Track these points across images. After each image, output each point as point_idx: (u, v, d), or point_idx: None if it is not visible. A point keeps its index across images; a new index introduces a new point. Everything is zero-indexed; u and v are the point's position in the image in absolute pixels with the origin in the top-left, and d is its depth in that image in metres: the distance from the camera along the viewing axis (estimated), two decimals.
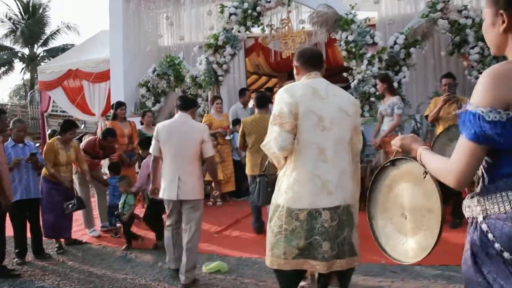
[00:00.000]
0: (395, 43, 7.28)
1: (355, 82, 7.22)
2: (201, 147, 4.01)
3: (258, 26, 7.84)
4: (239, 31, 7.74)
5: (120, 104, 6.81)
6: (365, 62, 7.12)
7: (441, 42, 8.07)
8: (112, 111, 7.11)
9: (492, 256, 1.37)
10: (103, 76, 9.93)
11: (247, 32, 7.89)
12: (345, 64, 7.45)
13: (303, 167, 2.55)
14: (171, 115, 8.87)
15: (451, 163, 1.45)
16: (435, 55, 8.15)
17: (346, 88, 7.35)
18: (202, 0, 8.91)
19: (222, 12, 7.84)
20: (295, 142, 2.54)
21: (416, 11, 7.85)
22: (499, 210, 1.37)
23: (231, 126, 7.60)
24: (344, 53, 7.32)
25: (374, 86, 7.15)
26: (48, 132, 10.98)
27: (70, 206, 5.22)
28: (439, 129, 5.60)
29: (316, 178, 2.53)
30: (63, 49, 21.83)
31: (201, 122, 7.64)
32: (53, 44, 24.82)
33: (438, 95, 6.39)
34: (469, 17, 7.29)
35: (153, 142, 4.13)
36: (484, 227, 1.41)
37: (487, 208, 1.41)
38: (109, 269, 4.70)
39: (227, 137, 7.32)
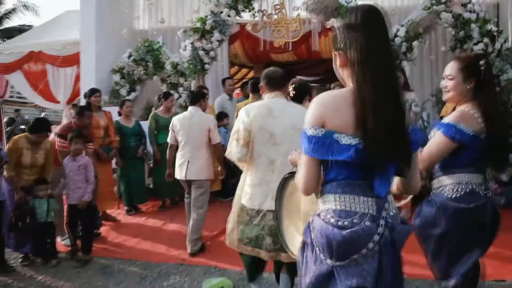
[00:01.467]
0: (396, 35, 6.79)
1: None
2: (209, 135, 4.75)
3: (250, 10, 7.15)
4: (228, 15, 7.03)
5: (94, 91, 5.97)
6: None
7: (440, 36, 7.67)
8: (80, 99, 6.25)
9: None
10: (70, 60, 8.96)
11: (237, 17, 7.18)
12: None
13: (256, 174, 3.04)
14: (148, 106, 8.11)
15: (298, 175, 1.74)
16: (433, 50, 7.73)
17: None
18: None
19: None
20: (250, 153, 3.02)
21: (417, 3, 7.36)
22: (324, 208, 1.67)
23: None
24: None
25: None
26: (4, 120, 9.86)
27: (17, 222, 4.37)
28: None
29: (264, 184, 2.98)
30: (19, 29, 20.19)
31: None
32: (8, 24, 23.04)
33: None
34: (474, 11, 6.90)
35: (170, 132, 4.93)
36: (311, 223, 1.72)
37: (319, 207, 1.71)
38: (88, 286, 3.95)
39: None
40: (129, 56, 7.90)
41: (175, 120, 4.93)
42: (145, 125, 6.58)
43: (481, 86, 2.41)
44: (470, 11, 6.91)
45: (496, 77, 6.83)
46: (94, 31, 7.95)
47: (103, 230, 5.53)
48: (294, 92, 3.55)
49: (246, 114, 3.03)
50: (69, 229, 4.74)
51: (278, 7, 7.29)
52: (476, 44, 6.91)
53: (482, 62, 2.44)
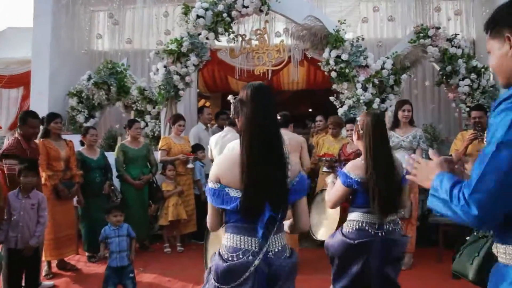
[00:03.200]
0: (382, 67, 6.45)
1: (345, 107, 6.23)
2: None
3: (229, 34, 6.56)
4: (207, 38, 6.39)
5: (54, 116, 5.01)
6: (359, 86, 6.18)
7: (423, 71, 7.47)
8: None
9: None
10: (16, 81, 7.91)
11: (216, 40, 6.56)
12: (334, 86, 6.44)
13: None
14: (110, 135, 7.21)
15: None
16: (416, 85, 7.50)
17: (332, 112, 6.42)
18: None
19: (186, 14, 6.45)
20: None
21: (404, 36, 7.12)
22: (222, 243, 2.03)
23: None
24: (333, 74, 6.31)
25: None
26: None
27: None
28: (469, 166, 4.75)
29: None
30: None
31: (150, 144, 6.13)
32: None
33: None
34: (460, 47, 6.75)
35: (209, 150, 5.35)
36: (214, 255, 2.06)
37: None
38: None
39: (189, 165, 5.86)
40: (89, 79, 7.01)
41: (213, 139, 5.36)
42: (110, 156, 5.71)
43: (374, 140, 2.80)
44: (456, 46, 6.75)
45: None
46: (48, 49, 7.00)
47: (60, 282, 4.57)
48: (280, 120, 4.77)
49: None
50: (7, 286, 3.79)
51: (260, 32, 6.76)
52: (462, 79, 6.74)
53: (369, 119, 2.83)
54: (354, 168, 2.83)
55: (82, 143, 5.44)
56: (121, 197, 5.45)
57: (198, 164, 6.10)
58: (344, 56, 6.16)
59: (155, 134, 6.86)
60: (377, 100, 6.28)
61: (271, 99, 2.00)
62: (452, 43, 6.76)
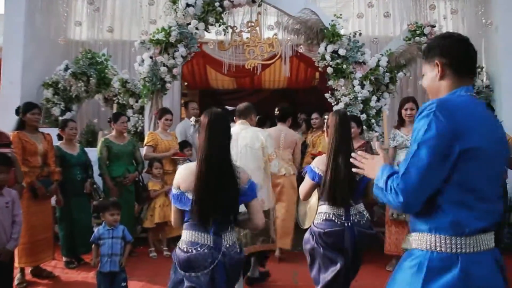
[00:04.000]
0: (378, 65, 6.22)
1: (341, 104, 5.96)
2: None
3: (220, 25, 6.18)
4: (197, 28, 6.00)
5: (31, 106, 4.49)
6: (356, 82, 5.92)
7: (419, 69, 7.28)
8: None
9: None
10: None
11: (206, 30, 6.17)
12: (330, 83, 6.15)
13: None
14: (88, 129, 6.72)
15: None
16: (410, 84, 7.31)
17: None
18: None
19: (174, 2, 6.04)
20: None
21: (399, 33, 6.92)
22: (182, 239, 2.46)
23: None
24: (329, 70, 6.03)
25: (362, 111, 6.00)
26: None
27: None
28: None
29: None
30: None
31: (136, 141, 5.70)
32: None
33: None
34: None
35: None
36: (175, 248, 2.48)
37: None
38: None
39: (180, 166, 5.45)
40: (66, 69, 6.50)
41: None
42: (90, 152, 5.23)
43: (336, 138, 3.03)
44: None
45: None
46: (21, 35, 6.44)
47: None
48: (278, 113, 5.29)
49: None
50: None
51: (252, 24, 6.42)
52: None
53: (326, 116, 3.19)
54: (319, 163, 3.07)
55: (60, 137, 4.95)
56: (104, 196, 4.99)
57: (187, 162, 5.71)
58: (342, 51, 5.89)
59: (138, 130, 6.41)
60: (374, 98, 6.05)
61: (225, 129, 2.48)
62: None
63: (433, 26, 6.54)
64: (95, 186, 4.95)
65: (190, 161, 5.77)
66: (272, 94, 11.13)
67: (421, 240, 1.63)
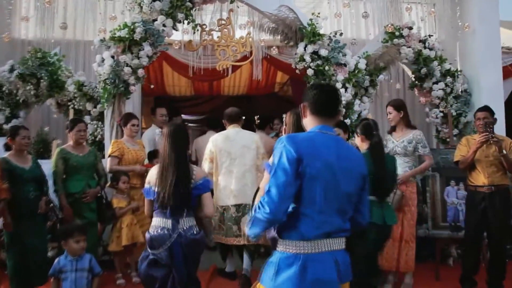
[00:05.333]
0: (357, 67, 5.87)
1: None
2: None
3: (189, 22, 5.61)
4: (164, 25, 5.40)
5: None
6: (339, 85, 5.53)
7: (396, 73, 7.03)
8: None
9: None
10: None
11: (174, 28, 5.57)
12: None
13: (220, 180, 4.50)
14: (39, 139, 5.92)
15: None
16: (387, 87, 7.03)
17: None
18: None
19: None
20: (215, 167, 4.52)
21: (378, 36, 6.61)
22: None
23: (147, 160, 5.14)
24: (309, 72, 5.60)
25: (345, 116, 5.63)
26: None
27: None
28: (478, 175, 4.27)
29: (227, 187, 4.46)
30: None
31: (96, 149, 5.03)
32: None
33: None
34: (433, 49, 6.39)
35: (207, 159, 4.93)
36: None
37: None
38: None
39: None
40: (11, 70, 5.69)
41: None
42: (44, 165, 4.50)
43: None
44: (429, 48, 6.38)
45: (455, 119, 6.36)
46: None
47: None
48: (258, 121, 6.29)
49: (212, 144, 4.57)
50: None
51: (224, 22, 5.89)
52: (436, 83, 6.38)
53: (291, 116, 3.29)
54: None
55: (7, 147, 4.19)
56: (62, 217, 4.27)
57: None
58: (324, 52, 5.49)
59: (97, 139, 5.71)
60: (357, 101, 5.70)
61: (183, 139, 3.20)
62: (426, 44, 6.40)
63: (411, 28, 6.31)
64: (51, 205, 4.23)
65: None
66: (227, 100, 10.61)
67: (278, 243, 2.05)
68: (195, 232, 3.08)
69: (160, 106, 5.98)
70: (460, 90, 6.45)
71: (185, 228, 3.03)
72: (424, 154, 4.48)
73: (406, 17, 6.80)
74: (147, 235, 3.10)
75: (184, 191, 3.04)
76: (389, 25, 6.29)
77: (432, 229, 4.91)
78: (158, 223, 3.06)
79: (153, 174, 3.16)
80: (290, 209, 1.99)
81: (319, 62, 5.57)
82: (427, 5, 6.89)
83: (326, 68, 5.48)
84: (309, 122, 2.16)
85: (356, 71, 5.68)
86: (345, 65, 5.67)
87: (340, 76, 5.57)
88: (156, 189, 3.05)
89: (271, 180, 1.98)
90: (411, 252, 4.40)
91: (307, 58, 5.57)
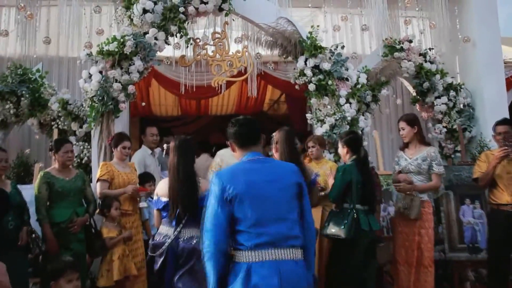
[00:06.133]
0: (357, 82, 5.61)
1: (326, 126, 5.23)
2: None
3: (182, 36, 5.27)
4: (156, 38, 5.05)
5: None
6: (342, 101, 5.24)
7: (396, 88, 6.79)
8: None
9: None
10: None
11: (166, 42, 5.22)
12: (312, 101, 5.41)
13: None
14: (19, 162, 5.46)
15: None
16: (388, 103, 6.78)
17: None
18: None
19: (128, 7, 5.08)
20: None
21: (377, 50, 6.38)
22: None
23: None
24: (311, 87, 5.30)
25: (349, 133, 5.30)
26: None
27: None
28: (501, 193, 3.98)
29: None
30: None
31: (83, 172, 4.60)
32: None
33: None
34: (434, 62, 6.18)
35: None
36: None
37: None
38: None
39: (142, 204, 4.39)
40: None
41: None
42: (24, 191, 4.05)
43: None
44: (430, 62, 6.18)
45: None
46: None
47: None
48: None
49: (219, 156, 4.32)
50: None
51: (219, 35, 5.58)
52: (438, 97, 6.16)
53: (282, 134, 3.52)
54: None
55: None
56: (45, 249, 3.81)
57: (150, 201, 4.63)
58: (326, 66, 5.20)
59: (83, 161, 5.27)
60: (362, 117, 5.41)
61: (190, 151, 3.41)
62: (426, 57, 6.19)
63: (411, 41, 6.10)
64: (33, 235, 3.77)
65: (152, 198, 4.77)
66: (214, 120, 10.26)
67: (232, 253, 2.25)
68: (194, 243, 3.20)
69: (150, 125, 5.57)
70: (463, 104, 6.24)
71: (186, 237, 3.23)
72: (437, 172, 4.11)
73: (403, 31, 6.61)
74: (150, 242, 3.43)
75: (192, 202, 3.23)
76: (389, 38, 6.09)
77: (449, 252, 4.58)
78: (162, 231, 3.36)
79: (162, 186, 3.42)
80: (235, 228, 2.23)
81: (320, 76, 5.27)
82: (425, 19, 6.68)
83: (329, 82, 5.17)
84: (238, 154, 2.46)
85: (360, 86, 5.39)
86: (347, 79, 5.39)
87: (343, 91, 5.28)
88: (164, 199, 3.34)
89: (207, 208, 2.27)
90: (430, 278, 4.06)
91: (308, 72, 5.27)
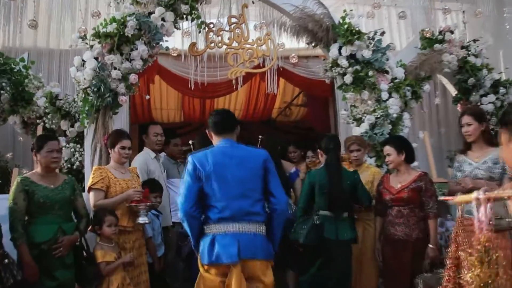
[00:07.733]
0: (395, 78, 4.80)
1: (364, 125, 4.40)
2: None
3: (193, 19, 4.46)
4: (163, 20, 4.23)
5: None
6: (385, 95, 4.42)
7: (432, 85, 5.98)
8: None
9: None
10: None
11: (175, 25, 4.40)
12: (347, 96, 4.57)
13: None
14: (1, 167, 4.60)
15: None
16: (425, 103, 5.96)
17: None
18: None
19: None
20: None
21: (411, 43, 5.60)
22: None
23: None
24: (348, 79, 4.47)
25: (391, 133, 4.49)
26: None
27: None
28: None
29: None
30: None
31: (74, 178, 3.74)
32: None
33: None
34: (479, 56, 5.40)
35: None
36: None
37: None
38: None
39: (142, 220, 3.49)
40: None
41: None
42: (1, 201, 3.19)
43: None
44: (475, 55, 5.39)
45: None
46: None
47: None
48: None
49: None
50: None
51: (236, 20, 4.76)
52: (485, 95, 5.36)
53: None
54: None
55: None
56: (22, 277, 2.92)
57: (149, 214, 3.73)
58: (367, 53, 4.38)
59: (74, 167, 4.40)
60: (406, 115, 4.59)
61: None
62: (470, 50, 5.41)
63: (452, 32, 5.32)
64: (6, 260, 2.87)
65: (157, 211, 3.91)
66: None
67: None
68: None
69: (153, 124, 4.69)
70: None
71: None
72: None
73: (442, 20, 5.84)
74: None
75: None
76: (427, 29, 5.31)
77: None
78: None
79: None
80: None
81: (357, 67, 4.45)
82: (465, 5, 5.89)
83: (370, 73, 4.35)
84: (214, 141, 2.81)
85: (403, 80, 4.58)
86: (387, 72, 4.58)
87: (384, 85, 4.46)
88: None
89: (183, 182, 2.70)
90: None
91: (343, 62, 4.45)
